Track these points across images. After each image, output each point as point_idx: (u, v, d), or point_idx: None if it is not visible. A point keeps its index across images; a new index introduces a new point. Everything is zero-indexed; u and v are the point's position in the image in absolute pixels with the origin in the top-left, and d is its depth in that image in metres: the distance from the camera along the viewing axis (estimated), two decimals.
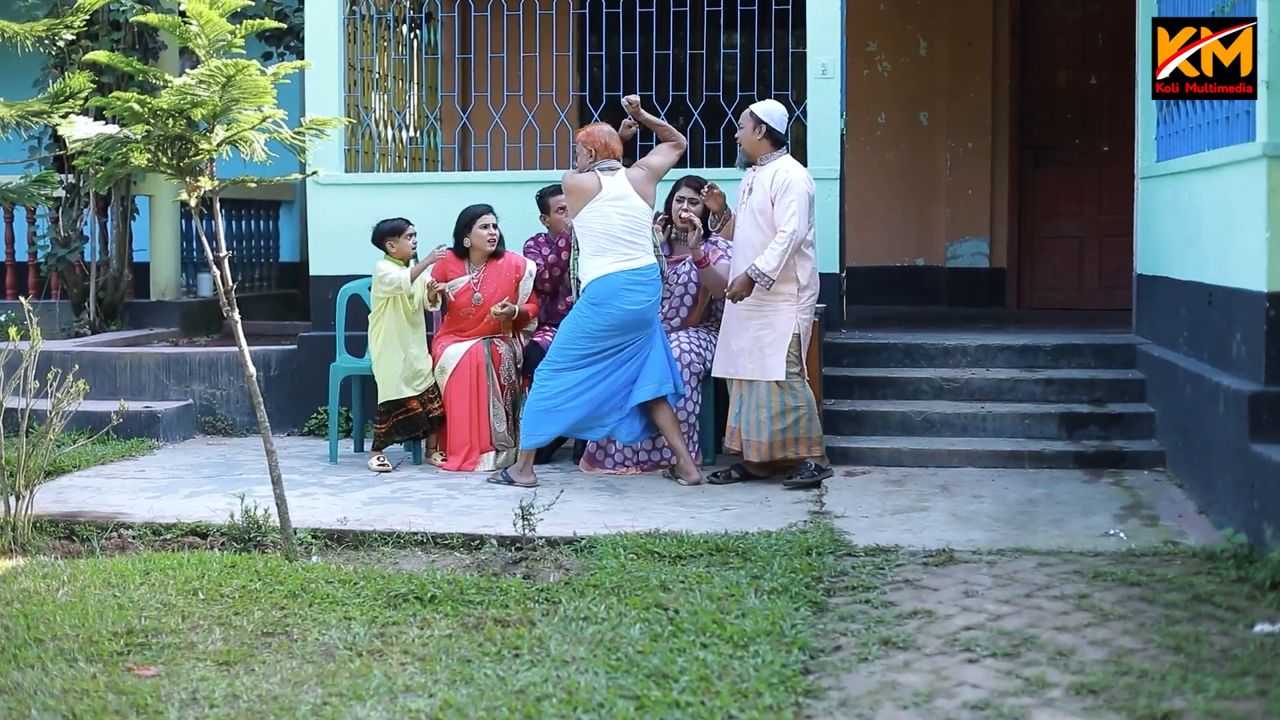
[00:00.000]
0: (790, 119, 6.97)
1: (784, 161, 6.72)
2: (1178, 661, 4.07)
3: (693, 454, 7.08)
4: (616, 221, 6.78)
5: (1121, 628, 4.40)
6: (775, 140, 6.77)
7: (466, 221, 7.42)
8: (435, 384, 7.41)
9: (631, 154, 7.48)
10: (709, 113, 8.40)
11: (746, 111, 6.85)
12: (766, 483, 6.79)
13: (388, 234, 7.43)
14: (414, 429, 7.43)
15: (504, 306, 7.33)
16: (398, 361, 7.30)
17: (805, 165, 7.17)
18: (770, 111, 6.79)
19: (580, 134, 7.02)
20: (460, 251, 7.44)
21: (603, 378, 6.84)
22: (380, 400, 7.35)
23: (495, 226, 7.40)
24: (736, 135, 6.91)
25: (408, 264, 7.40)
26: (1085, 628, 4.41)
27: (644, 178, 6.93)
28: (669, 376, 6.87)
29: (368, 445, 7.68)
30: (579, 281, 6.93)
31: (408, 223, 7.46)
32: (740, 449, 6.81)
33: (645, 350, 6.87)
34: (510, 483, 6.81)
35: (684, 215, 7.17)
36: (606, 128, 7.00)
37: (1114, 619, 4.49)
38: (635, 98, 7.04)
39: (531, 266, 7.51)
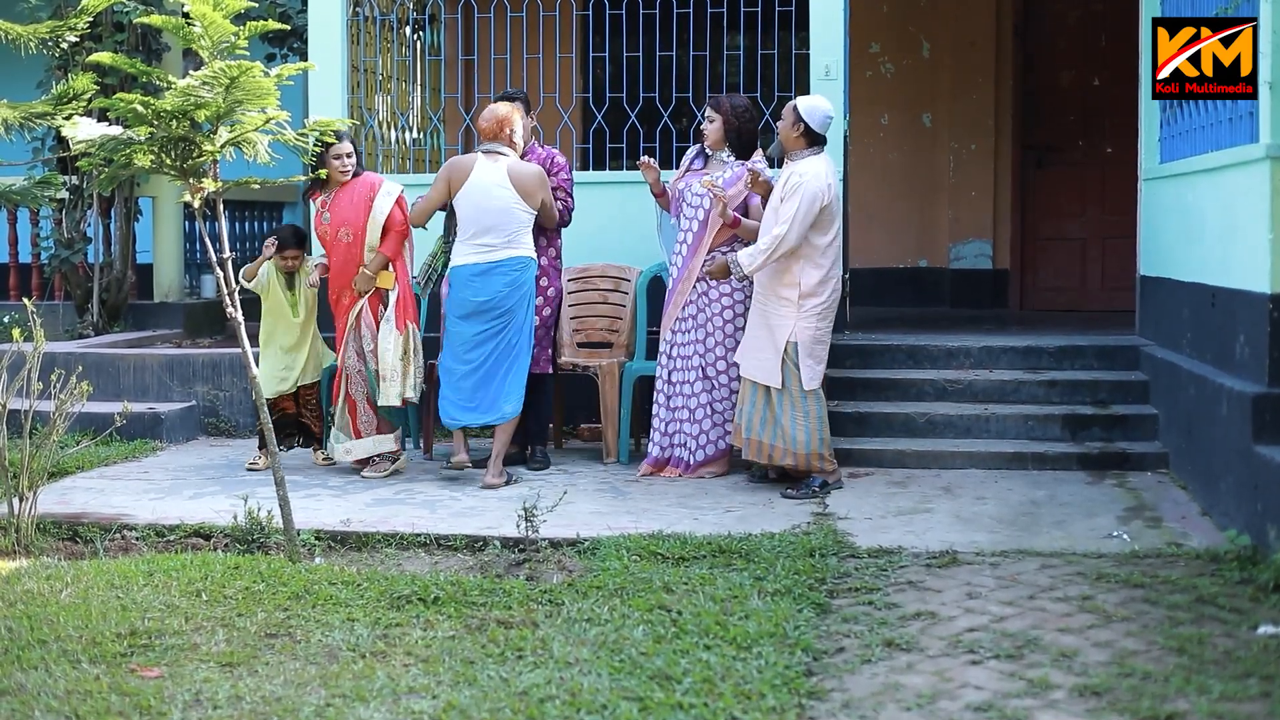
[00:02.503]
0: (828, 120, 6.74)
1: (807, 164, 6.53)
2: (1181, 663, 4.07)
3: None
4: (485, 206, 6.83)
5: (1125, 629, 4.40)
6: (811, 138, 6.60)
7: (322, 151, 7.04)
8: (313, 394, 7.46)
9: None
10: None
11: (790, 104, 6.67)
12: (770, 485, 6.79)
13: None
14: (282, 430, 7.37)
15: (312, 271, 7.23)
16: (270, 358, 7.38)
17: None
18: (813, 111, 6.59)
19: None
20: (320, 184, 7.19)
21: (485, 365, 6.90)
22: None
23: (350, 157, 7.10)
24: (777, 125, 6.78)
25: (293, 276, 7.39)
26: (1088, 629, 4.41)
27: (534, 178, 6.87)
28: (519, 394, 6.93)
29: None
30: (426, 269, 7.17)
31: (300, 238, 7.45)
32: (756, 456, 6.68)
33: (514, 346, 6.89)
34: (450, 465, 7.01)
35: (705, 132, 7.03)
36: (503, 109, 6.97)
37: (1117, 620, 4.49)
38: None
39: (391, 186, 7.12)
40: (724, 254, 6.96)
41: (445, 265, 7.14)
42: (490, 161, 6.86)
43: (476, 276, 6.87)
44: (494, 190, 6.83)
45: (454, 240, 7.05)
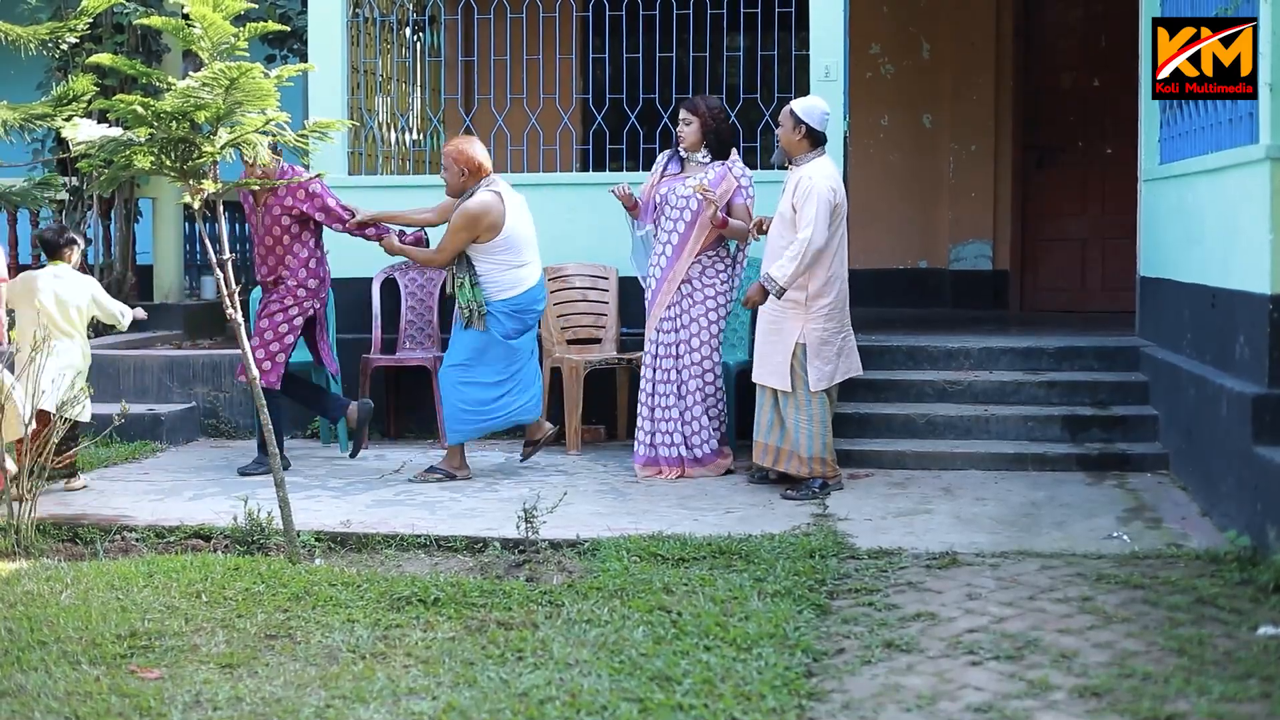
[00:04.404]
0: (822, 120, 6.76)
1: (814, 166, 6.54)
2: (1181, 664, 4.07)
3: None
4: (527, 230, 6.96)
5: (1125, 630, 4.40)
6: (814, 139, 6.61)
7: None
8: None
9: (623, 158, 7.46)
10: None
11: (786, 109, 6.67)
12: (770, 486, 6.78)
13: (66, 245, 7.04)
14: None
15: None
16: None
17: None
18: (810, 110, 6.60)
19: (452, 150, 6.91)
20: None
21: (520, 374, 7.03)
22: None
23: None
24: (776, 133, 6.78)
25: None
26: (1088, 630, 4.41)
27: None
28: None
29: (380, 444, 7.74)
30: (471, 305, 6.86)
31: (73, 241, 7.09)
32: (774, 462, 6.65)
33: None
34: (451, 477, 6.98)
35: (682, 135, 7.05)
36: (478, 145, 6.96)
37: (1117, 621, 4.49)
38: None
39: None
40: (710, 257, 7.02)
41: (476, 296, 6.91)
42: (501, 192, 6.88)
43: (539, 289, 7.06)
44: (524, 209, 7.00)
45: (478, 275, 6.88)
